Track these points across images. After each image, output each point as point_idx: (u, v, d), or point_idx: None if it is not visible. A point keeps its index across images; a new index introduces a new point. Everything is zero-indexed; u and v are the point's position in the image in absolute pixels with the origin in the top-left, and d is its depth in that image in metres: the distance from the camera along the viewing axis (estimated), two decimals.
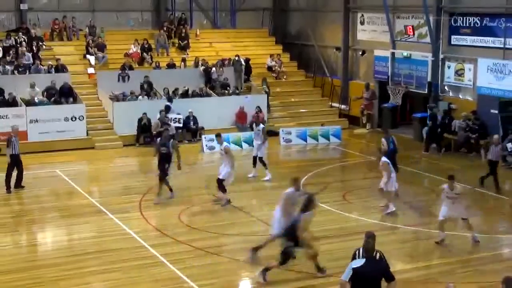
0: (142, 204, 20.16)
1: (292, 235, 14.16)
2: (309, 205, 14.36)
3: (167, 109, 29.02)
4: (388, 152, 20.63)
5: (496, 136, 22.13)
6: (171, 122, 28.67)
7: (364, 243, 10.69)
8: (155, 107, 29.27)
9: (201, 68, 32.63)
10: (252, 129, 28.75)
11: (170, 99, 29.85)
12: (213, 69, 32.67)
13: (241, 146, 28.18)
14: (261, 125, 23.72)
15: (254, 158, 23.34)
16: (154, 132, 27.71)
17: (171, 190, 20.65)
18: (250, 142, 27.35)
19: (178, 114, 29.10)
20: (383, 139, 21.49)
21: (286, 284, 14.42)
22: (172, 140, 21.53)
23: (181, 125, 28.95)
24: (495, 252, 16.60)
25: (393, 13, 31.42)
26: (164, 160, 20.27)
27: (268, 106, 31.65)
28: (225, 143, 20.49)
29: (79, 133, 28.47)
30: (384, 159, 19.25)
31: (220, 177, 19.76)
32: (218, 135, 21.04)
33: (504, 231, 18.34)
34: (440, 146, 27.68)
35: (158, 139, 21.47)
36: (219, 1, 38.19)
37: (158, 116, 28.47)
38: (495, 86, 26.49)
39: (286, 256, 14.28)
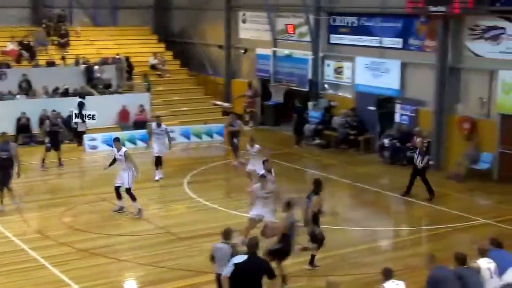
0: (22, 206, 19.60)
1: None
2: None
3: (81, 105, 28.44)
4: None
5: (419, 140, 21.64)
6: (85, 118, 28.11)
7: (247, 239, 10.84)
8: (34, 106, 28.55)
9: (82, 66, 32.00)
10: (136, 128, 28.57)
11: (82, 96, 29.22)
12: (95, 67, 32.14)
13: (123, 145, 27.79)
14: (163, 125, 23.07)
15: (158, 158, 22.77)
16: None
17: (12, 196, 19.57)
18: (133, 141, 27.15)
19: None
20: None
21: (172, 282, 14.43)
22: (12, 143, 20.49)
23: (95, 121, 28.22)
24: (371, 245, 17.15)
25: (274, 12, 31.88)
26: (4, 167, 19.07)
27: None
28: (124, 148, 19.27)
29: None
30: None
31: (127, 186, 18.72)
32: (116, 139, 19.61)
33: (380, 224, 18.99)
34: (300, 140, 28.86)
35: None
36: None
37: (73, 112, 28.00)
38: (372, 83, 27.35)
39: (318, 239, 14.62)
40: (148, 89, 32.35)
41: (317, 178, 16.20)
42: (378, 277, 11.30)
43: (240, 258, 10.60)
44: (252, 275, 10.55)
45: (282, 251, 13.63)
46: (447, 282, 11.08)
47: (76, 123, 27.53)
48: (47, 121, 25.57)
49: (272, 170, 18.00)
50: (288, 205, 14.02)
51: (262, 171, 17.67)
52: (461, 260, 11.53)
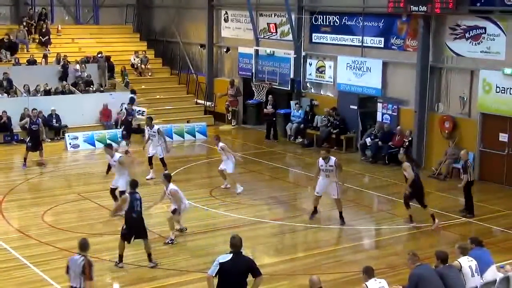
0: (3, 206, 19.49)
1: None
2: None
3: (132, 100, 28.80)
4: None
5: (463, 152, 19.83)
6: (136, 114, 28.60)
7: (231, 238, 10.83)
8: (15, 104, 28.43)
9: (63, 64, 31.82)
10: (117, 127, 28.44)
11: (133, 91, 29.68)
12: (76, 66, 32.01)
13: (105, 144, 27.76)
14: (155, 126, 23.01)
15: (150, 158, 22.79)
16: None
17: None
18: (115, 140, 27.10)
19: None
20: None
21: (155, 281, 14.39)
22: None
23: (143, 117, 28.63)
24: (355, 243, 17.23)
25: (256, 11, 31.89)
26: None
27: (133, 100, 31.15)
28: (118, 154, 19.09)
29: None
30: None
31: (121, 189, 18.43)
32: (109, 146, 19.54)
33: (362, 223, 19.05)
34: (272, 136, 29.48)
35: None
36: None
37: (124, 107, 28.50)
38: (354, 82, 27.42)
39: None
40: (126, 85, 32.30)
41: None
42: (360, 276, 11.35)
43: (225, 257, 10.60)
44: (238, 273, 10.56)
45: None
46: (429, 280, 11.17)
47: (130, 118, 27.73)
48: (27, 119, 25.45)
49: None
50: None
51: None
52: (443, 258, 11.63)
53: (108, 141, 22.19)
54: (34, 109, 26.16)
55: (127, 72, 33.32)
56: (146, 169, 22.84)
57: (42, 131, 25.58)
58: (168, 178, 16.86)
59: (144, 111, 29.72)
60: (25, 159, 24.16)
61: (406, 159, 18.53)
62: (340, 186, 18.18)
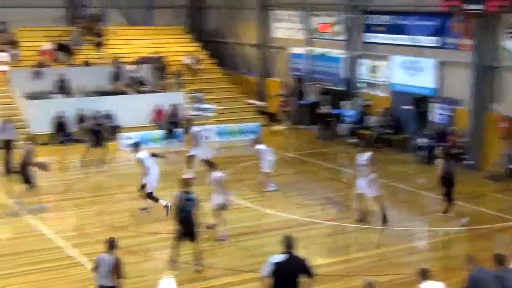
0: (60, 204, 19.81)
1: None
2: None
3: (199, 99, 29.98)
4: None
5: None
6: (204, 112, 29.51)
7: (283, 239, 10.80)
8: (71, 105, 28.87)
9: (117, 65, 32.23)
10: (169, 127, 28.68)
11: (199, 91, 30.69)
12: (127, 66, 32.37)
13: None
14: (196, 127, 23.39)
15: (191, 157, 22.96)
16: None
17: None
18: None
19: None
20: None
21: (207, 280, 14.44)
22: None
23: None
24: (409, 245, 17.03)
25: (308, 11, 31.80)
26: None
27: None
28: (137, 155, 18.97)
29: None
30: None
31: (148, 191, 18.70)
32: (135, 144, 19.69)
33: (416, 224, 18.83)
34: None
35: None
36: None
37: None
38: (408, 83, 27.16)
39: None
40: (180, 87, 32.53)
41: None
42: (415, 278, 11.21)
43: (279, 258, 10.58)
44: (291, 273, 10.53)
45: None
46: (486, 283, 10.96)
47: (197, 114, 28.72)
48: (89, 120, 26.01)
49: None
50: None
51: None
52: (500, 261, 11.39)
53: (135, 140, 21.99)
54: (96, 110, 27.32)
55: (181, 73, 33.49)
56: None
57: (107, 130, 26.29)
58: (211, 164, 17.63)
59: (211, 108, 30.30)
60: (84, 158, 24.53)
61: (443, 155, 18.37)
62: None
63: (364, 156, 18.10)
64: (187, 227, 14.71)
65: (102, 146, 25.08)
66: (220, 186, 16.78)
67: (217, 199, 16.77)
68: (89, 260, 15.28)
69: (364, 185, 18.07)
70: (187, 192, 14.79)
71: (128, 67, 32.46)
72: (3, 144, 23.56)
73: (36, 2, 35.44)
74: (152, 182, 18.71)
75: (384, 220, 18.00)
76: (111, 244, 11.76)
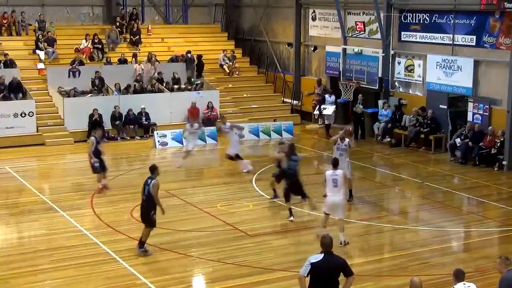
0: (94, 201, 19.99)
1: None
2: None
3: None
4: None
5: None
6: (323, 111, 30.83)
7: (322, 238, 10.76)
8: (107, 102, 29.12)
9: (155, 64, 32.39)
10: (204, 125, 28.75)
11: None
12: (166, 64, 32.51)
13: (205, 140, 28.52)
14: (228, 123, 23.70)
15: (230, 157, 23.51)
16: None
17: None
18: (202, 138, 27.46)
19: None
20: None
21: (240, 278, 14.46)
22: None
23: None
24: (443, 245, 16.88)
25: (344, 9, 31.67)
26: None
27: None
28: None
29: (29, 130, 28.09)
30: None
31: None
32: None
33: (451, 224, 18.63)
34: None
35: None
36: None
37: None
38: (444, 82, 26.89)
39: None
40: (215, 85, 32.61)
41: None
42: (449, 279, 11.09)
43: (317, 257, 10.53)
44: (330, 273, 10.48)
45: None
46: None
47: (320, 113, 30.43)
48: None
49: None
50: None
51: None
52: None
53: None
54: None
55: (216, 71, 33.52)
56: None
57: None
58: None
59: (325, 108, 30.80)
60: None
61: None
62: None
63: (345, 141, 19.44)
64: (293, 183, 17.93)
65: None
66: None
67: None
68: (122, 257, 15.45)
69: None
70: (293, 155, 18.23)
71: (164, 65, 32.57)
72: None
73: (74, 1, 35.86)
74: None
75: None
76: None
